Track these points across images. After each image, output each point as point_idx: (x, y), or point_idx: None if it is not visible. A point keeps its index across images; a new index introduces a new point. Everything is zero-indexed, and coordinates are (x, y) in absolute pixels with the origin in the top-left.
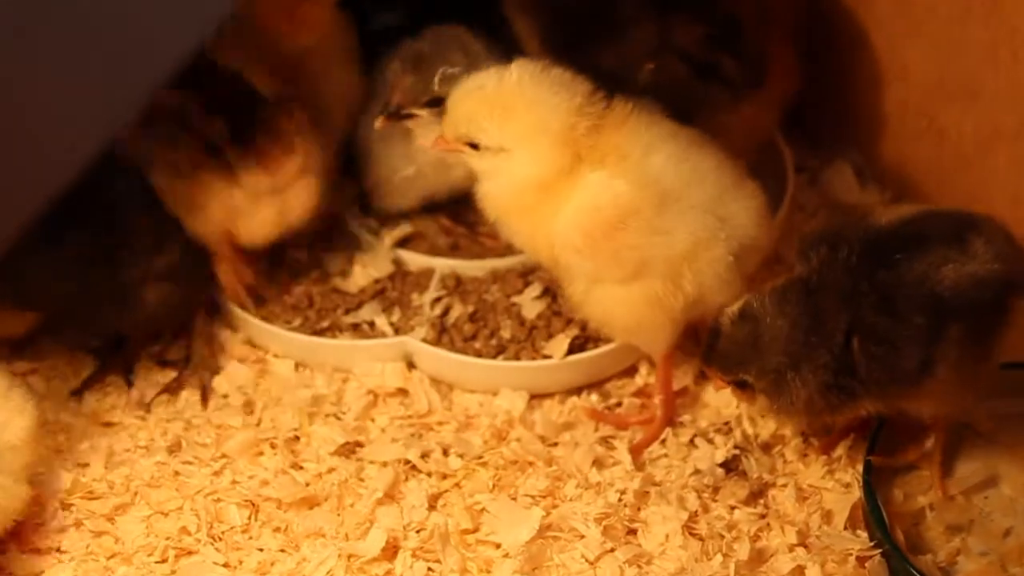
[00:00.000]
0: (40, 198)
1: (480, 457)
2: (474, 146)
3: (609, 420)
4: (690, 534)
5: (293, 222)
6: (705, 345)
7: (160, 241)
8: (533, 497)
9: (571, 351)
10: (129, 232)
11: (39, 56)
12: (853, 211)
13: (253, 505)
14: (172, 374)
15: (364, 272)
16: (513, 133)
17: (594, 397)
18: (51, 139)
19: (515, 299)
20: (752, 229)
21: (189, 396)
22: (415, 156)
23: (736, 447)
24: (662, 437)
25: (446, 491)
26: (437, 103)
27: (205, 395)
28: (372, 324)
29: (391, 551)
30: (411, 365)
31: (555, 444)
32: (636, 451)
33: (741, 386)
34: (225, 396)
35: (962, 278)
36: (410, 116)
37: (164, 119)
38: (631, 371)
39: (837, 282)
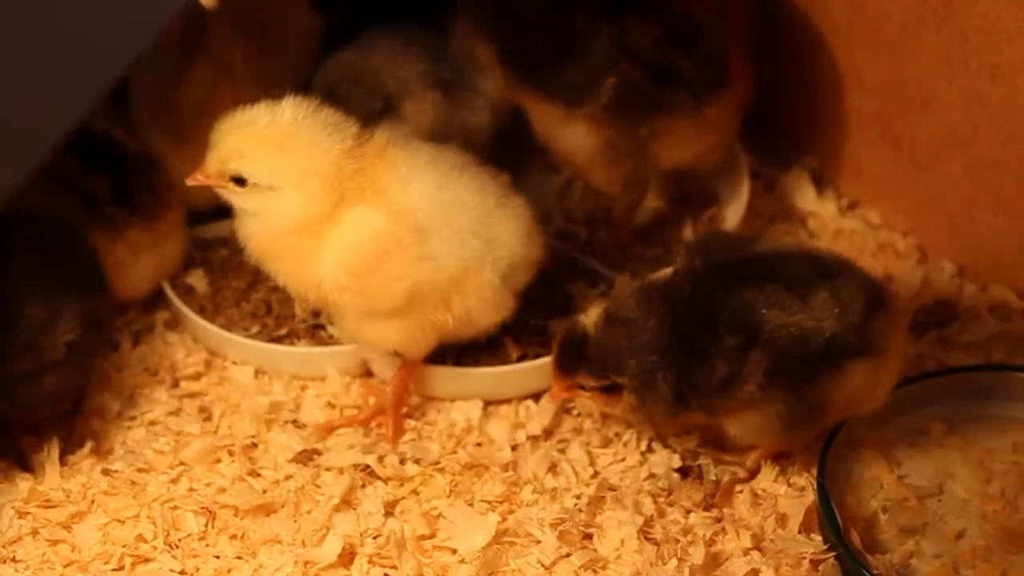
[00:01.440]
0: None
1: (437, 463)
2: (239, 182)
3: (346, 424)
4: (646, 539)
5: (169, 273)
6: (566, 354)
7: (52, 326)
8: (489, 503)
9: (521, 359)
10: (17, 325)
11: None
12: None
13: (210, 512)
14: None
15: None
16: (287, 172)
17: None
18: None
19: None
20: (519, 248)
21: (145, 403)
22: None
23: (693, 451)
24: (621, 442)
25: (403, 497)
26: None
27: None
28: (328, 331)
29: (348, 557)
30: (368, 372)
31: (512, 449)
32: (395, 437)
33: (609, 390)
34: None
35: (782, 325)
36: None
37: (45, 177)
38: None
39: (687, 291)
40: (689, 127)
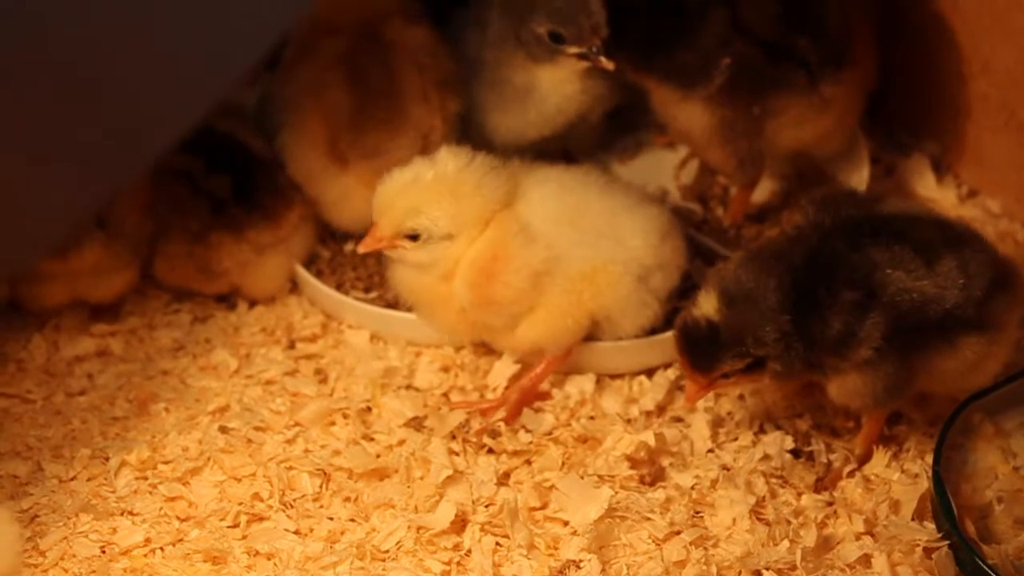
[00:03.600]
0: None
1: (550, 434)
2: (413, 238)
3: (467, 406)
4: (757, 519)
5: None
6: (699, 352)
7: None
8: (601, 477)
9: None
10: None
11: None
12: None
13: (325, 474)
14: None
15: None
16: (462, 219)
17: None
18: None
19: None
20: (651, 248)
21: (262, 362)
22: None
23: (805, 433)
24: (734, 422)
25: (516, 468)
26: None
27: None
28: None
29: (460, 524)
30: (483, 342)
31: (627, 422)
32: (511, 420)
33: (751, 368)
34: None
35: (906, 289)
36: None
37: (171, 184)
38: None
39: (813, 244)
40: (805, 106)
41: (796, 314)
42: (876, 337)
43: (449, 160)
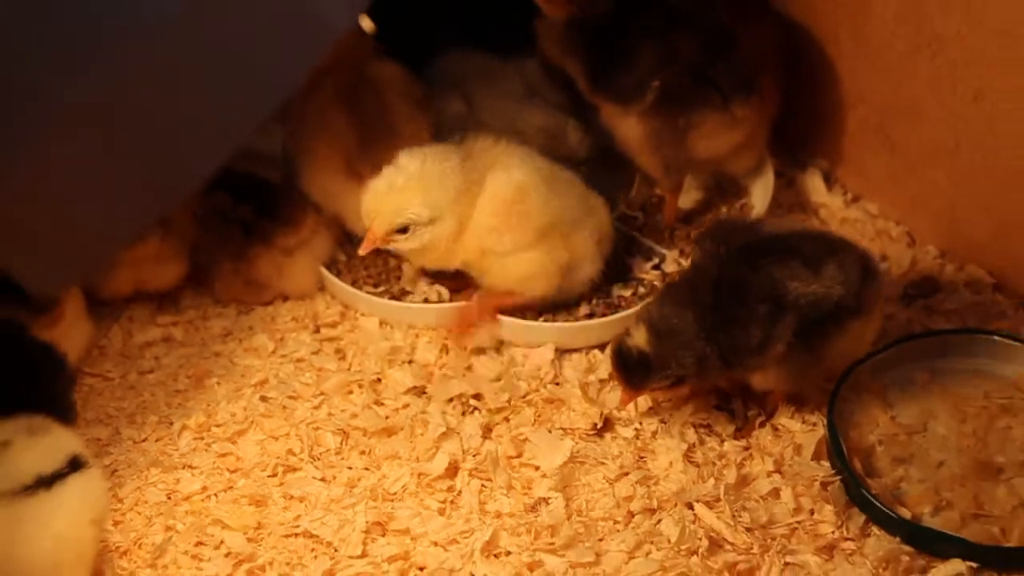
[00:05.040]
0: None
1: (524, 397)
2: (403, 231)
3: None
4: (689, 462)
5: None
6: (633, 374)
7: None
8: (565, 430)
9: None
10: None
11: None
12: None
13: (344, 433)
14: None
15: None
16: (442, 203)
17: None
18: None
19: None
20: (606, 223)
21: (294, 344)
22: None
23: (726, 393)
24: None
25: (497, 424)
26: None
27: None
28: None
29: (452, 471)
30: None
31: (584, 387)
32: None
33: (678, 382)
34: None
35: (803, 293)
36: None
37: (211, 221)
38: None
39: (714, 274)
40: (719, 122)
41: (715, 335)
42: (787, 335)
43: (411, 162)
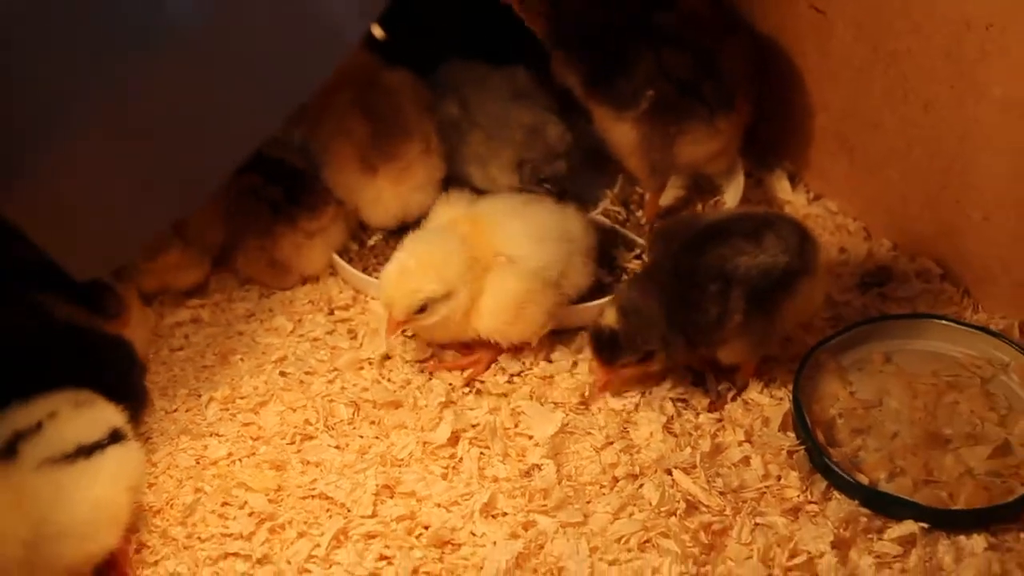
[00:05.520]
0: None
1: (519, 374)
2: (421, 310)
3: (450, 367)
4: (668, 432)
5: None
6: (604, 351)
7: None
8: (556, 404)
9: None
10: None
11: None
12: (694, 212)
13: (356, 405)
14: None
15: None
16: (454, 277)
17: None
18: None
19: None
20: (586, 236)
21: (310, 325)
22: None
23: (700, 371)
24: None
25: (494, 397)
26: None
27: None
28: None
29: (454, 440)
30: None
31: (573, 365)
32: (467, 379)
33: (643, 359)
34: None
35: (750, 267)
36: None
37: (243, 199)
38: None
39: (670, 265)
40: (703, 132)
41: (676, 316)
42: (741, 306)
43: (416, 247)
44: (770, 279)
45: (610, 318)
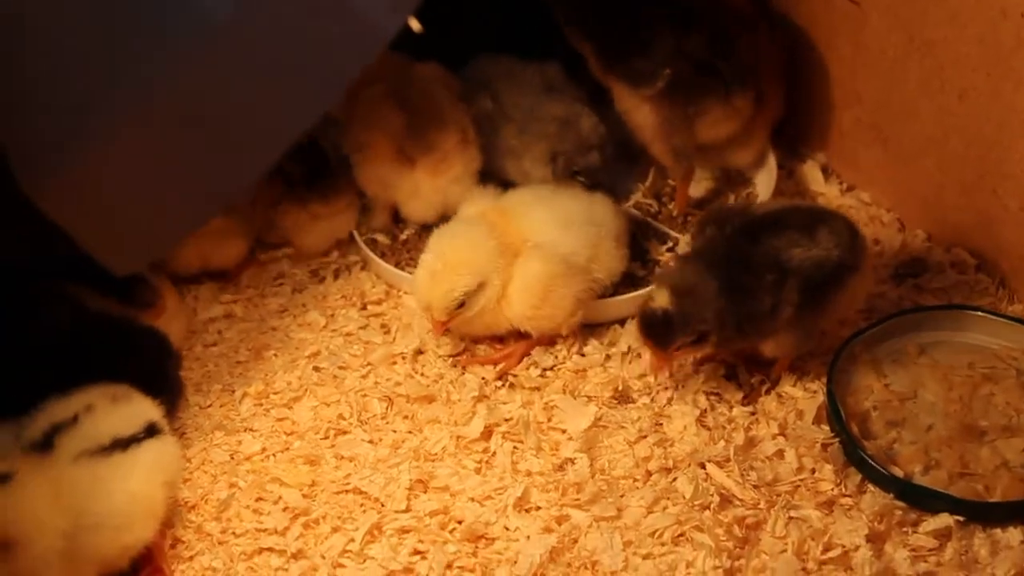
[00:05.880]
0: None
1: (552, 368)
2: (460, 306)
3: (483, 361)
4: (701, 425)
5: (338, 238)
6: (659, 334)
7: None
8: (590, 398)
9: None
10: None
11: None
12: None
13: (389, 399)
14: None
15: None
16: (485, 268)
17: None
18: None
19: None
20: (615, 220)
21: (343, 320)
22: None
23: (733, 364)
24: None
25: (528, 391)
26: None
27: None
28: None
29: (487, 434)
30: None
31: (610, 355)
32: (499, 373)
33: (697, 341)
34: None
35: (804, 259)
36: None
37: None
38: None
39: (720, 250)
40: (720, 111)
41: (729, 300)
42: (794, 298)
43: (440, 245)
44: (823, 273)
45: (662, 300)
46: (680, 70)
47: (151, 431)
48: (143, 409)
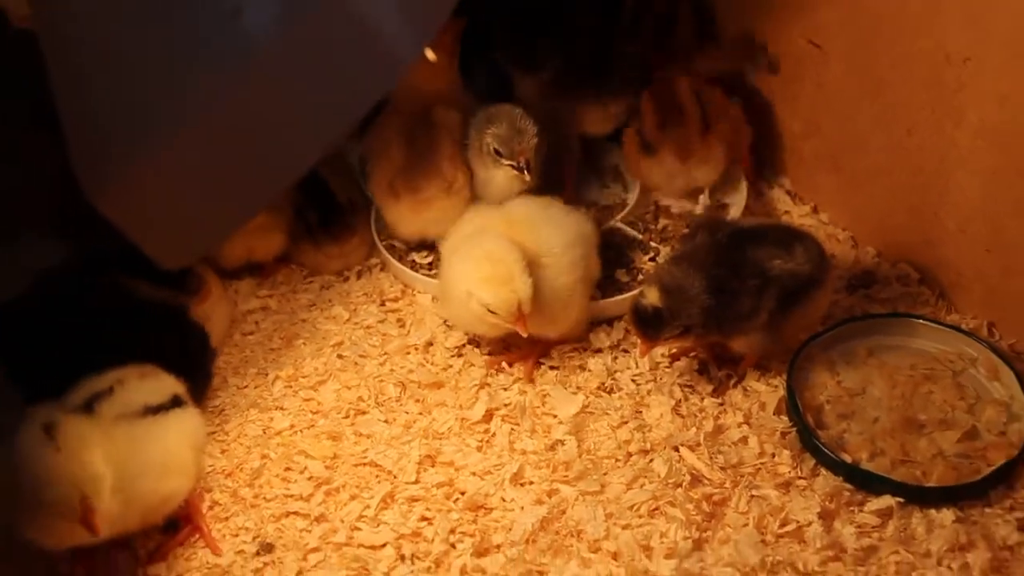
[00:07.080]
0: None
1: (549, 358)
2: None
3: (510, 360)
4: (676, 414)
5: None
6: (648, 326)
7: None
8: (579, 387)
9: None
10: None
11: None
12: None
13: (403, 385)
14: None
15: None
16: (520, 257)
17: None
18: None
19: None
20: (593, 234)
21: (364, 314)
22: None
23: (704, 360)
24: (660, 353)
25: (523, 381)
26: None
27: None
28: None
29: (488, 417)
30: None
31: (598, 351)
32: (528, 375)
33: (684, 332)
34: (387, 315)
35: (783, 270)
36: None
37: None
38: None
39: (709, 253)
40: (596, 109)
41: (714, 299)
42: (771, 304)
43: (486, 244)
44: (796, 283)
45: (652, 297)
46: (565, 66)
47: (176, 402)
48: (168, 384)
